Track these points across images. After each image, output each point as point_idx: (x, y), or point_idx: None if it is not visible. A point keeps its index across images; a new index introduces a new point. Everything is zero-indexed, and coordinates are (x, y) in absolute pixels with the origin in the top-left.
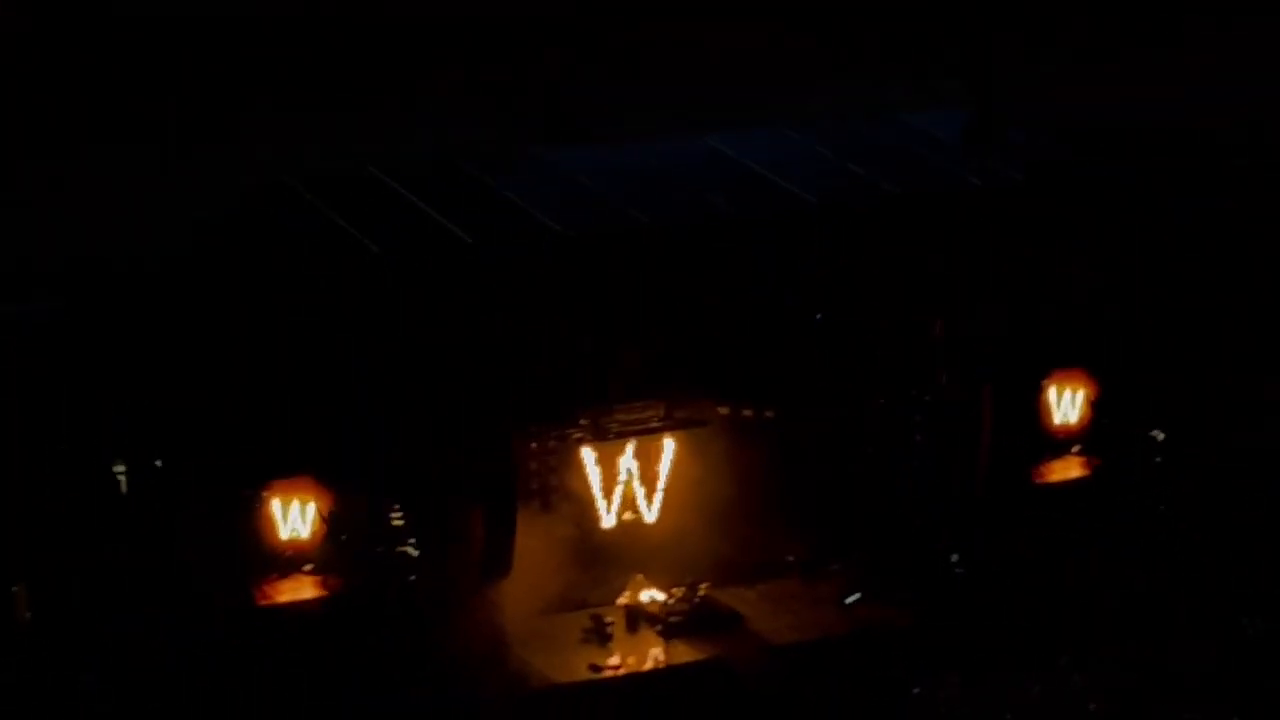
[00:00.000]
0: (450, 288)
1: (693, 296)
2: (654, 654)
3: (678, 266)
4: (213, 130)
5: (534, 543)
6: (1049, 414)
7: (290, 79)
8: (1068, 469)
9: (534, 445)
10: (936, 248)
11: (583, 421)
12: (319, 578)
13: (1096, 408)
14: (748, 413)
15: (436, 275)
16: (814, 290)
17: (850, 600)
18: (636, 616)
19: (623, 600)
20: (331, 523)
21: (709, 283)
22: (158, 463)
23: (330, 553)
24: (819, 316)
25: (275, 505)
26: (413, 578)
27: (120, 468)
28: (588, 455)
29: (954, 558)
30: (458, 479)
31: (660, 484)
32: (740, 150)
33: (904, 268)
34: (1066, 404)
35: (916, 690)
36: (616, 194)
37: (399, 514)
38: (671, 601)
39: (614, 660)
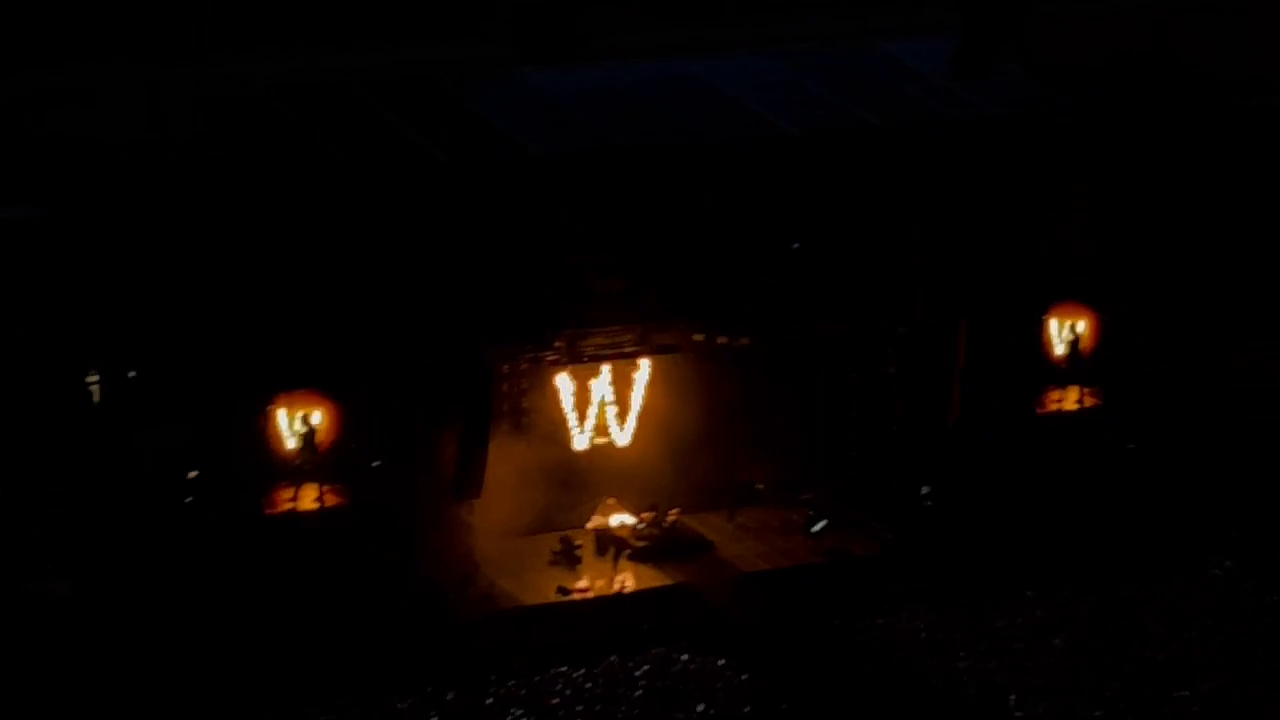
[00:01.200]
0: (426, 206)
1: (669, 222)
2: (622, 578)
3: (654, 191)
4: (195, 39)
5: (506, 464)
6: (1050, 346)
7: None
8: (1063, 401)
9: (508, 366)
10: (913, 181)
11: (558, 344)
12: (319, 489)
13: (1098, 341)
14: (722, 339)
15: (411, 193)
16: (791, 218)
17: (817, 529)
18: (606, 540)
19: (592, 524)
20: (342, 435)
21: (686, 208)
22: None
23: (328, 465)
24: (796, 245)
25: (281, 417)
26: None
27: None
28: (562, 378)
29: (924, 490)
30: (431, 396)
31: (633, 409)
32: (720, 76)
33: (881, 200)
34: (1067, 337)
35: (881, 621)
36: (594, 116)
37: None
38: (641, 526)
39: (582, 584)
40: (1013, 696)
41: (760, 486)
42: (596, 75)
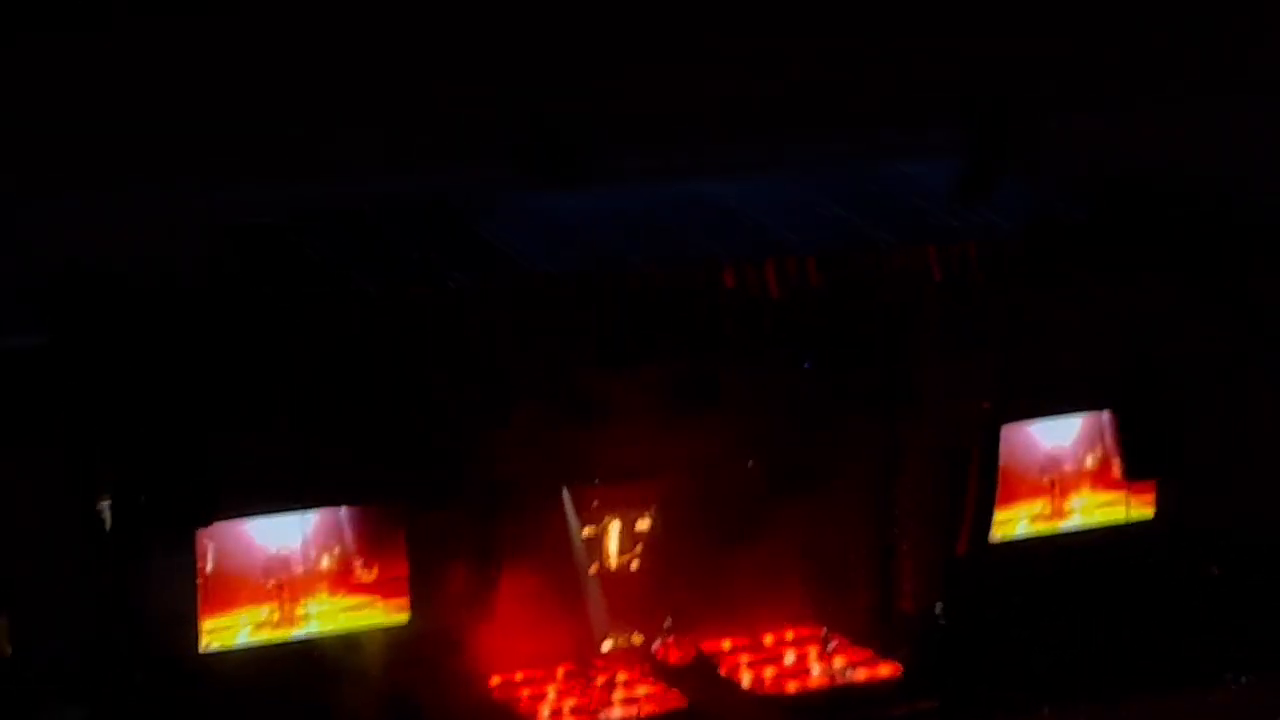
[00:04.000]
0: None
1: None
2: (640, 701)
3: (665, 309)
4: (206, 158)
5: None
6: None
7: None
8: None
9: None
10: (929, 295)
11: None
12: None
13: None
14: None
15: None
16: (805, 336)
17: (831, 647)
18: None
19: (608, 647)
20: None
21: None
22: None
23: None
24: (806, 364)
25: None
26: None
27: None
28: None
29: (938, 607)
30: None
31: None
32: (733, 197)
33: (893, 317)
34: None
35: None
36: (605, 237)
37: None
38: (655, 647)
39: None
40: None
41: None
42: (604, 197)
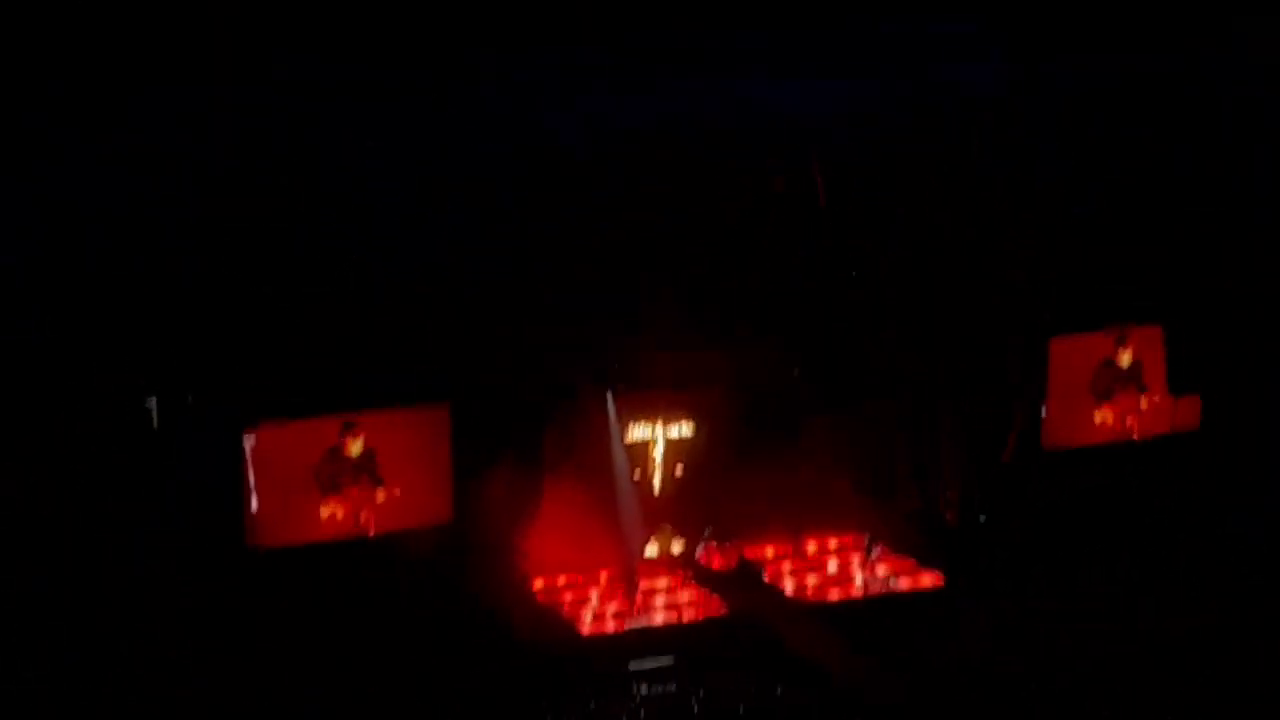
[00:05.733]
0: None
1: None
2: (681, 606)
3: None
4: None
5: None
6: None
7: None
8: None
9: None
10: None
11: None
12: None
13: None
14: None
15: None
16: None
17: (873, 555)
18: (662, 568)
19: (650, 552)
20: None
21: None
22: None
23: None
24: (853, 273)
25: None
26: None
27: None
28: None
29: (982, 517)
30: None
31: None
32: (781, 99)
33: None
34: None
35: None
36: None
37: None
38: (698, 553)
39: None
40: None
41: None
42: None
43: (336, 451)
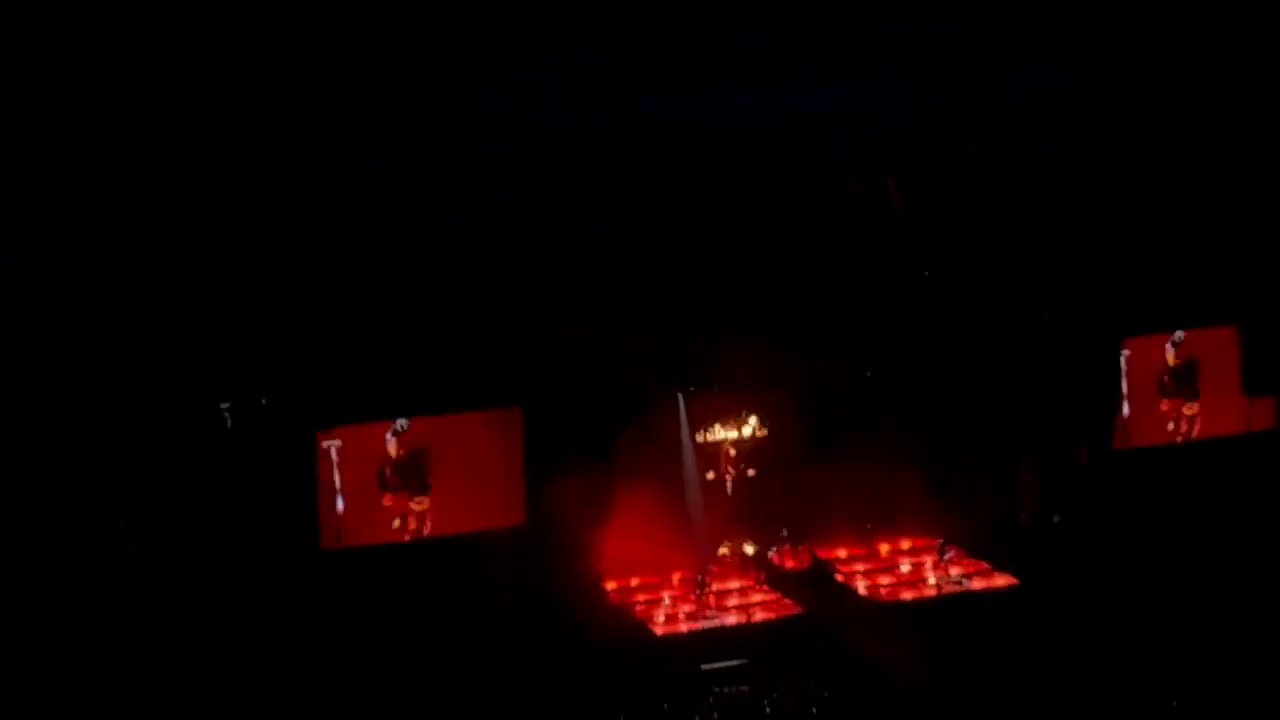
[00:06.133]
0: None
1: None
2: (752, 607)
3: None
4: None
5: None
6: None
7: None
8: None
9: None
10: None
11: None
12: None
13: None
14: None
15: None
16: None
17: (947, 557)
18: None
19: (722, 553)
20: None
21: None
22: None
23: None
24: (926, 274)
25: None
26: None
27: None
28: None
29: (1055, 518)
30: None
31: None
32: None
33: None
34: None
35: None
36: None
37: None
38: (769, 555)
39: (713, 613)
40: None
41: (869, 526)
42: None
43: (407, 454)
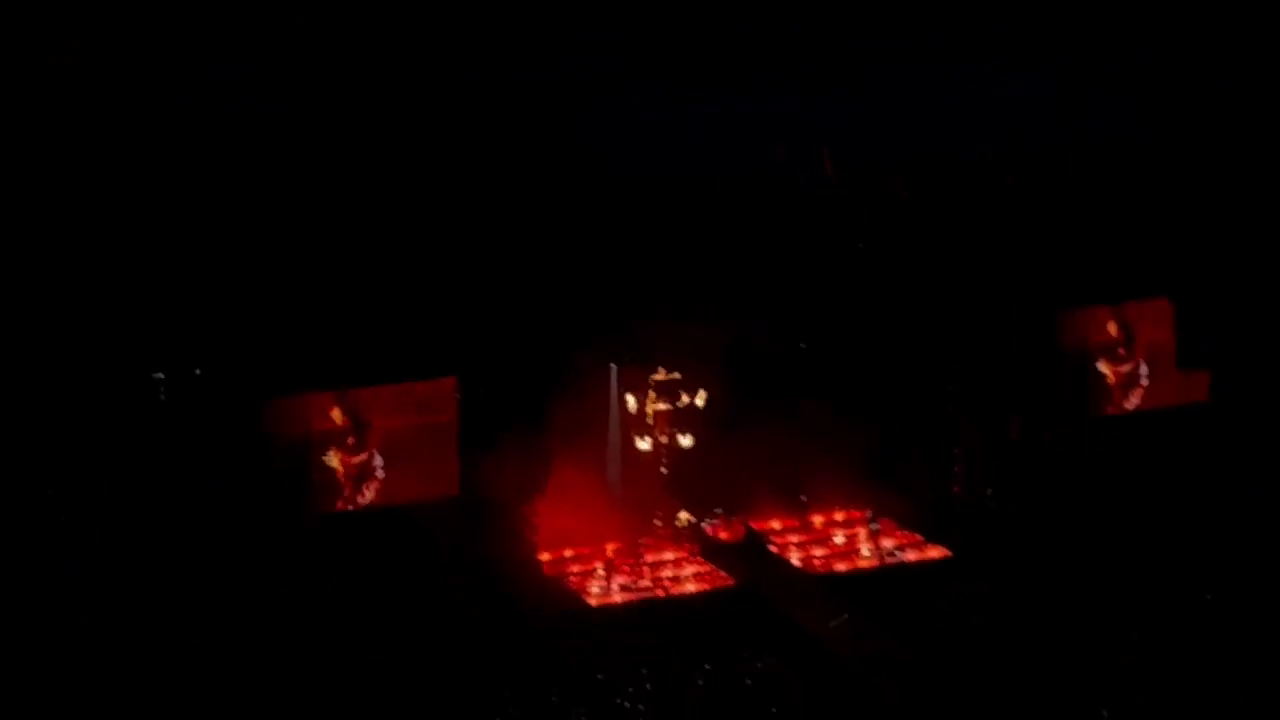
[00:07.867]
0: None
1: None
2: (688, 579)
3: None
4: None
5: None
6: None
7: None
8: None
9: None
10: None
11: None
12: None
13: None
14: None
15: None
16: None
17: (876, 528)
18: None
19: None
20: None
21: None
22: None
23: None
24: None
25: None
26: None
27: None
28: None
29: (989, 491)
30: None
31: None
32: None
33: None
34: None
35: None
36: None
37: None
38: (706, 527)
39: (647, 584)
40: None
41: (804, 499)
42: None
43: (340, 424)
